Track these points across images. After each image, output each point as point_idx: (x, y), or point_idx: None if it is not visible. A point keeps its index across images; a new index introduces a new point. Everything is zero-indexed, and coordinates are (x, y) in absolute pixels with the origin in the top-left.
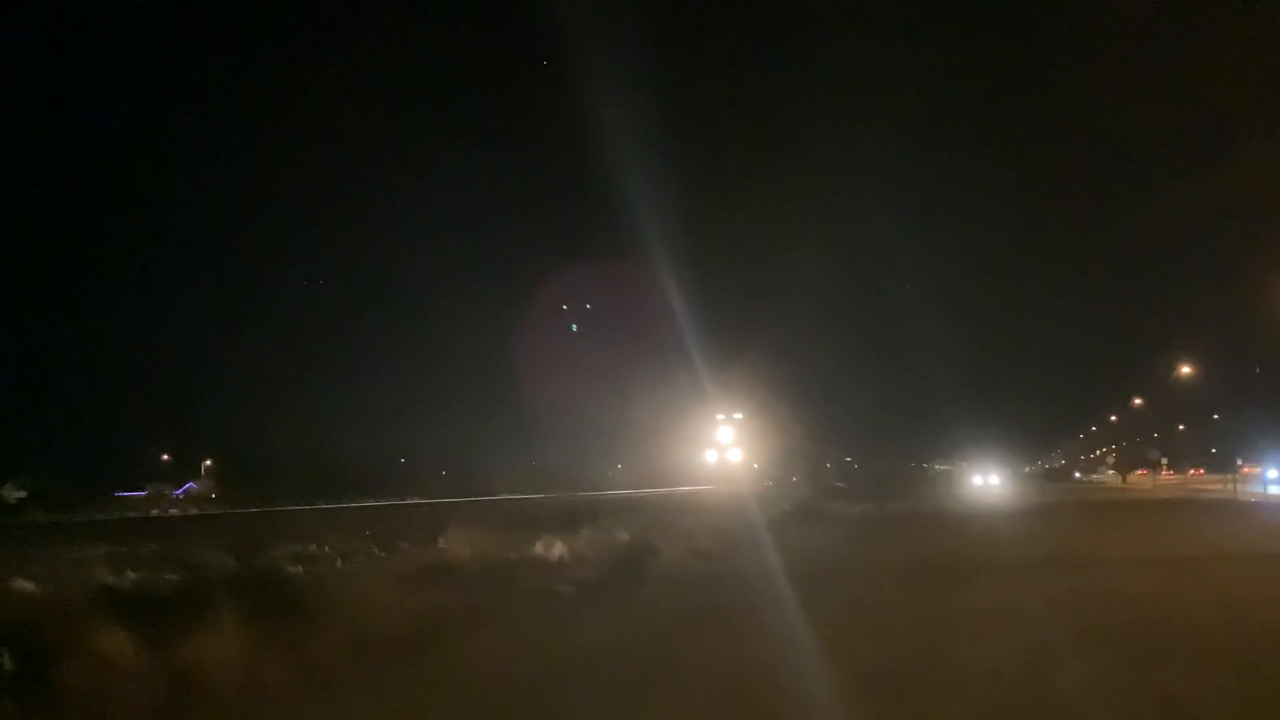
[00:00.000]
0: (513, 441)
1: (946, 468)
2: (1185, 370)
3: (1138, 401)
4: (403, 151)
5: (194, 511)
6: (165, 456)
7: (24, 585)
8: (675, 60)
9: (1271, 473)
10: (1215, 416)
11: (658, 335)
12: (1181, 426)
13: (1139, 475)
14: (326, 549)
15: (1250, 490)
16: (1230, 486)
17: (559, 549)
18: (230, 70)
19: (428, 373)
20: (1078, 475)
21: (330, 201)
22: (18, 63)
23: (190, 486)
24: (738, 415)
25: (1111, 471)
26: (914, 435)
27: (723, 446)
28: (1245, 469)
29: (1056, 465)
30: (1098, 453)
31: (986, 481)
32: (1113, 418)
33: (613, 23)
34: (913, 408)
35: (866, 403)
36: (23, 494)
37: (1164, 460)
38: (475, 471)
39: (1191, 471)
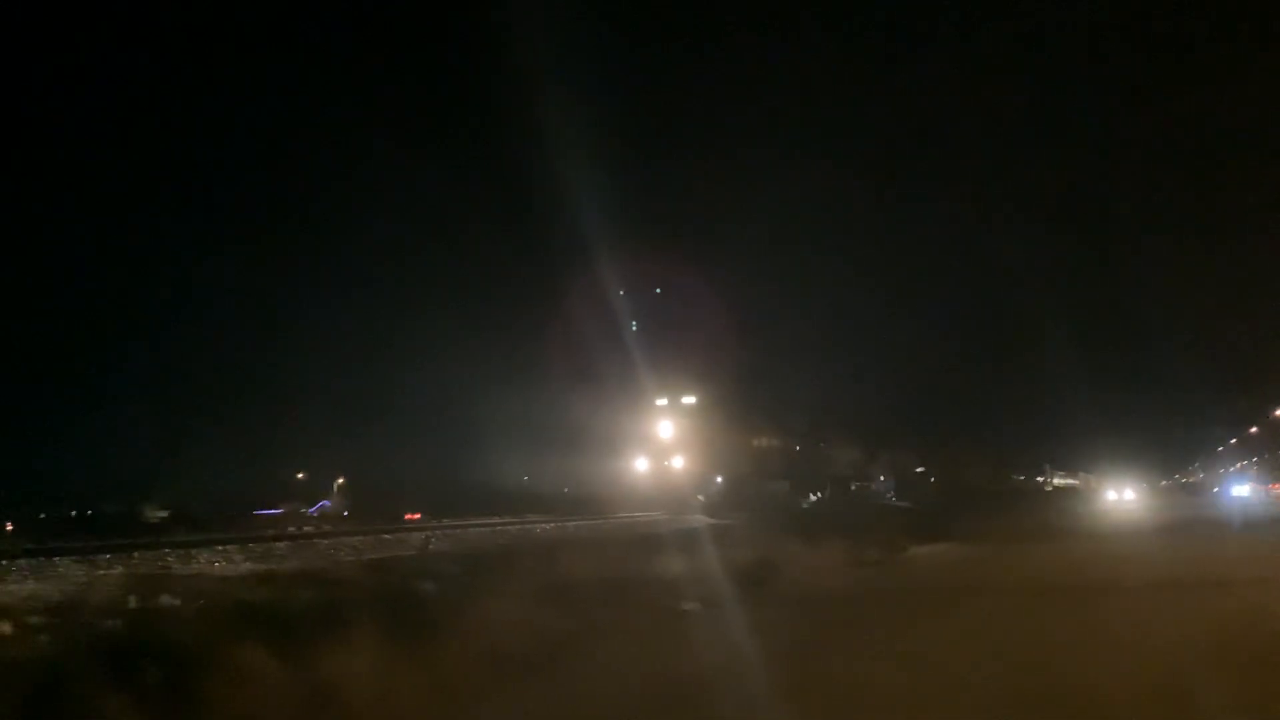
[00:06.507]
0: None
1: (1071, 482)
2: None
3: (1279, 413)
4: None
5: (328, 529)
6: (300, 475)
7: (168, 601)
8: (626, 49)
9: None
10: None
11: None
12: None
13: None
14: (456, 566)
15: None
16: None
17: (680, 565)
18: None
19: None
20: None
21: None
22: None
23: (324, 504)
24: (688, 399)
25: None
26: (1025, 444)
27: (660, 449)
28: None
29: (1195, 479)
30: (1238, 466)
31: (1121, 497)
32: (1253, 429)
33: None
34: (1024, 413)
35: (959, 405)
36: (164, 513)
37: None
38: (594, 489)
39: None
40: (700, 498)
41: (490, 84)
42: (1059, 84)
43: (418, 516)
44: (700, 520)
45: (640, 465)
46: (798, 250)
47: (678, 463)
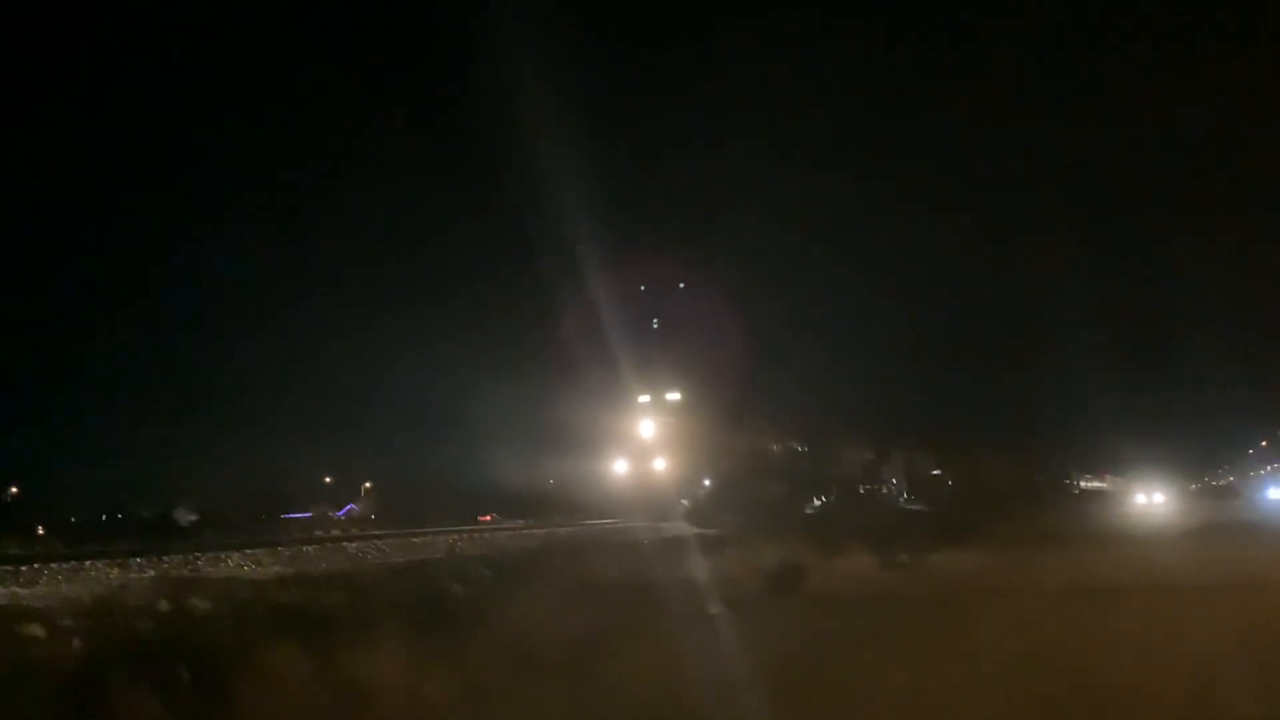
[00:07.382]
0: None
1: (1099, 484)
2: None
3: None
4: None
5: (355, 532)
6: (328, 479)
7: (200, 604)
8: (627, 48)
9: None
10: None
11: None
12: None
13: None
14: (485, 569)
15: None
16: None
17: (706, 568)
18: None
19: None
20: None
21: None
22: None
23: (351, 508)
24: (673, 395)
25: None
26: (1051, 445)
27: (641, 450)
28: None
29: (1224, 482)
30: (1270, 468)
31: (1150, 500)
32: None
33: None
34: (1050, 415)
35: (980, 406)
36: (194, 517)
37: None
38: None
39: None
40: (684, 502)
41: (486, 84)
42: (1080, 80)
43: (490, 518)
44: (685, 528)
45: (619, 467)
46: (807, 247)
47: (659, 464)
